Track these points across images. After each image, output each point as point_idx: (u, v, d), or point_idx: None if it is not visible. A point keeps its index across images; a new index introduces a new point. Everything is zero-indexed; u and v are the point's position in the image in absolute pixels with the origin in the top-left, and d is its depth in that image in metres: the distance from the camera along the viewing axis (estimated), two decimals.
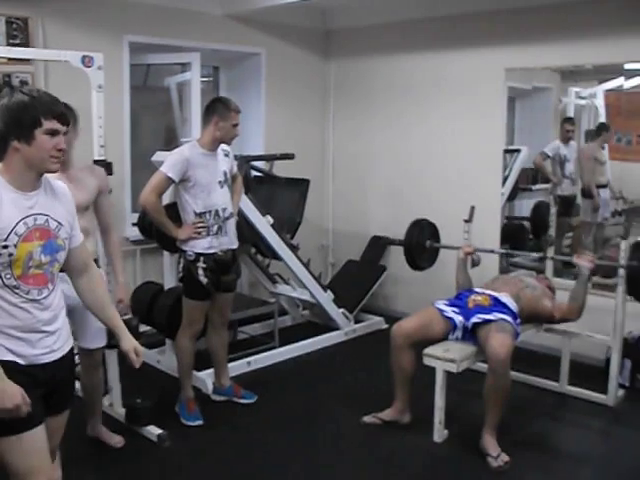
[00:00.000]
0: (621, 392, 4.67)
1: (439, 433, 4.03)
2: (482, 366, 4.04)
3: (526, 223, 6.43)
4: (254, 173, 5.62)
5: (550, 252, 5.37)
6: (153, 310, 4.82)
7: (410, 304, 5.25)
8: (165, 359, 5.06)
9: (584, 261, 4.41)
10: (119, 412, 4.17)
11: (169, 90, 6.03)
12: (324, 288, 5.75)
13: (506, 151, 6.10)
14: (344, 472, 3.79)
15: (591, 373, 4.86)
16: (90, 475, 3.69)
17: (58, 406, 2.45)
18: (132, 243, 5.51)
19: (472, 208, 5.05)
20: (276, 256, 5.47)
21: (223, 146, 4.20)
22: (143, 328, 5.20)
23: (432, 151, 6.12)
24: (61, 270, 2.39)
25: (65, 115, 2.28)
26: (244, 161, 5.21)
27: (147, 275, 5.46)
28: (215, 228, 4.13)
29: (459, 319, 4.06)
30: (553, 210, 5.50)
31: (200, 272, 4.12)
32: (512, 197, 6.28)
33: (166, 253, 4.91)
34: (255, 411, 4.47)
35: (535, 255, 5.40)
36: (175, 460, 3.85)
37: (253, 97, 6.35)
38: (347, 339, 5.84)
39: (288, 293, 5.93)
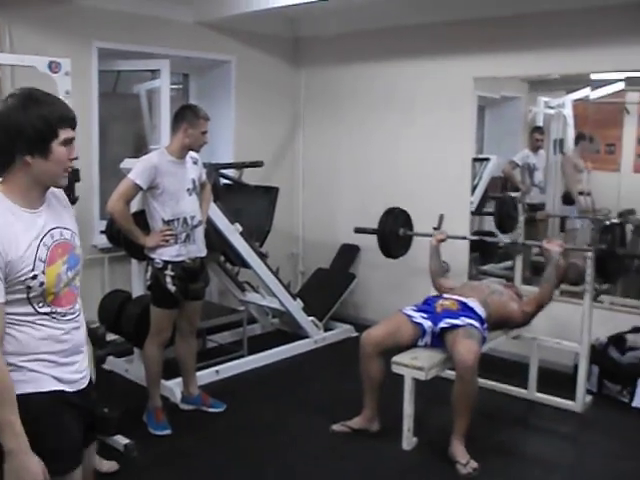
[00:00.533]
0: (589, 398, 4.70)
1: (408, 441, 4.02)
2: (451, 373, 4.04)
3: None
4: (223, 181, 5.60)
5: (518, 261, 5.42)
6: (121, 319, 4.78)
7: (380, 312, 5.25)
8: (133, 368, 5.01)
9: (554, 245, 4.48)
10: None
11: (139, 97, 6.00)
12: (293, 296, 5.74)
13: (475, 160, 6.13)
14: None
15: (559, 380, 4.88)
16: None
17: (92, 435, 2.32)
18: (100, 251, 5.47)
19: (441, 216, 5.08)
20: (245, 264, 5.45)
21: (192, 154, 4.18)
22: (111, 337, 5.17)
23: (402, 160, 6.14)
24: None
25: (75, 119, 2.09)
26: (213, 169, 5.19)
27: (115, 283, 5.42)
28: (183, 236, 4.11)
29: (428, 324, 4.06)
30: (521, 218, 5.55)
31: (168, 280, 4.09)
32: (481, 206, 6.31)
33: (134, 261, 4.87)
34: (224, 420, 4.44)
35: (507, 241, 5.48)
36: (143, 470, 3.80)
37: (223, 105, 6.34)
38: (317, 347, 5.83)
39: (257, 301, 5.90)
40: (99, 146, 5.45)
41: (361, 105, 6.40)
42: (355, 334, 5.92)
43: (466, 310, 4.11)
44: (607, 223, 4.43)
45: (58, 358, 2.06)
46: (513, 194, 6.14)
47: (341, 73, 6.50)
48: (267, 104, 6.59)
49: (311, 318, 5.84)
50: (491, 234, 6.19)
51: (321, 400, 4.76)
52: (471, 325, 3.98)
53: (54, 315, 2.04)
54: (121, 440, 3.94)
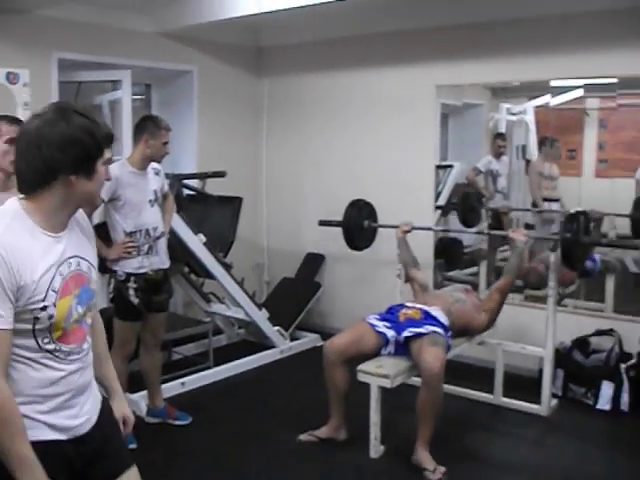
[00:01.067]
0: (554, 402, 4.74)
1: (375, 449, 4.02)
2: (416, 380, 4.05)
3: None
4: (186, 191, 5.57)
5: (483, 267, 5.45)
6: None
7: (346, 320, 5.25)
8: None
9: (519, 235, 4.56)
10: None
11: (101, 108, 5.94)
12: (259, 306, 5.71)
13: (439, 167, 6.17)
14: None
15: (525, 384, 4.91)
16: None
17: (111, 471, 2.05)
18: None
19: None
20: (210, 275, 5.41)
21: (154, 164, 4.16)
22: None
23: (365, 168, 6.15)
24: None
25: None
26: (176, 179, 5.16)
27: None
28: (146, 248, 4.09)
29: (391, 334, 4.06)
30: (485, 224, 5.59)
31: (131, 292, 4.06)
32: (446, 212, 6.34)
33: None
34: (190, 432, 4.39)
35: (473, 231, 5.60)
36: None
37: (185, 115, 6.31)
38: (283, 357, 5.81)
39: (223, 312, 5.86)
40: None
41: (324, 114, 6.41)
42: (321, 343, 5.85)
43: (429, 319, 4.12)
44: (572, 212, 4.48)
45: (55, 403, 1.86)
46: None
47: (304, 82, 6.51)
48: (230, 114, 6.57)
49: (277, 328, 5.82)
50: (455, 239, 6.26)
51: (288, 410, 4.74)
52: (435, 333, 3.99)
53: (57, 354, 1.84)
54: None
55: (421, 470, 3.79)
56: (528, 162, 6.35)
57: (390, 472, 3.90)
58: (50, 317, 1.78)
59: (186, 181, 5.56)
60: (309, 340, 6.12)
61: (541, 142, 6.20)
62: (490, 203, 6.26)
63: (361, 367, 3.98)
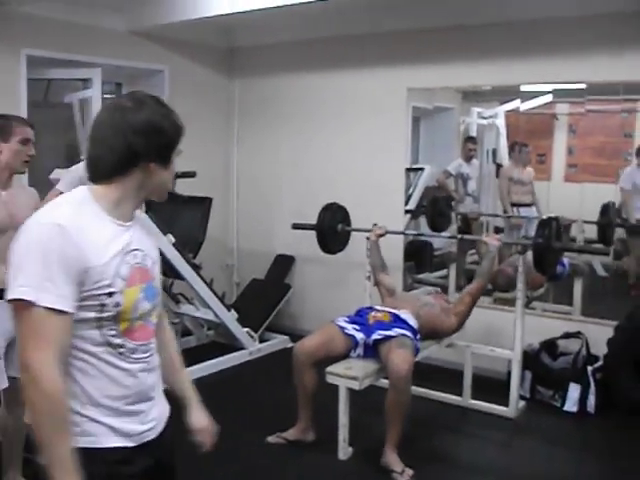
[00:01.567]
0: (522, 404, 4.77)
1: (344, 451, 4.02)
2: (385, 382, 4.05)
3: None
4: None
5: (452, 270, 5.46)
6: None
7: (315, 322, 5.24)
8: None
9: (492, 240, 4.62)
10: None
11: (71, 106, 5.88)
12: (228, 307, 5.68)
13: (410, 169, 6.19)
14: None
15: (493, 386, 4.93)
16: None
17: None
18: None
19: (374, 226, 5.10)
20: (179, 276, 5.37)
21: None
22: None
23: (337, 170, 6.15)
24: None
25: None
26: None
27: None
28: None
29: (360, 336, 4.06)
30: (454, 226, 5.62)
31: None
32: (416, 215, 6.37)
33: None
34: None
35: (446, 235, 5.56)
36: None
37: None
38: (252, 359, 5.78)
39: (192, 313, 5.82)
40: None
41: (296, 115, 6.40)
42: (291, 345, 5.88)
43: (398, 321, 4.13)
44: (544, 217, 4.54)
45: (119, 405, 1.75)
46: None
47: (276, 83, 6.49)
48: (201, 114, 6.53)
49: (246, 329, 5.79)
50: (425, 242, 6.27)
51: (256, 412, 4.72)
52: (404, 335, 3.99)
53: (122, 350, 1.74)
54: None
55: (389, 472, 3.79)
56: (499, 166, 6.39)
57: (358, 474, 3.90)
58: (117, 305, 1.69)
59: None
60: (278, 342, 6.09)
61: (511, 147, 6.25)
62: (460, 206, 6.30)
63: (330, 369, 3.98)
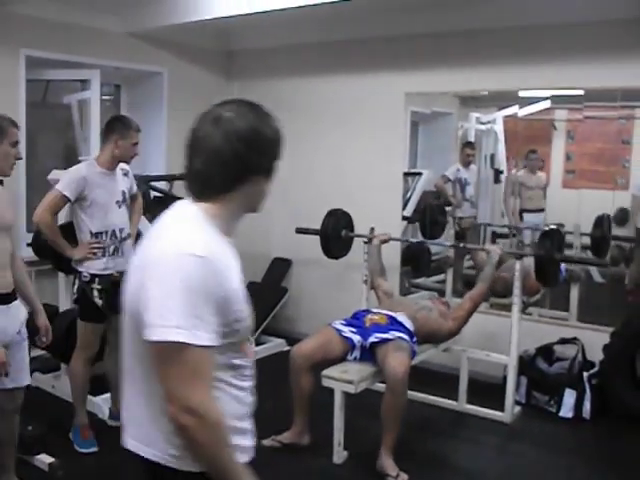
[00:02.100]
0: (517, 409, 4.77)
1: (339, 454, 4.01)
2: (381, 386, 4.05)
3: None
4: (153, 193, 5.52)
5: (449, 275, 5.47)
6: None
7: (312, 325, 5.23)
8: (60, 384, 4.88)
9: (495, 248, 4.75)
10: None
11: (69, 107, 5.88)
12: None
13: (408, 174, 6.19)
14: None
15: (489, 391, 4.93)
16: None
17: None
18: (26, 264, 5.27)
19: (372, 229, 5.12)
20: None
21: (122, 165, 4.13)
22: (37, 352, 5.03)
23: (334, 174, 6.16)
24: None
25: None
26: (143, 181, 5.11)
27: (42, 297, 5.19)
28: (112, 249, 4.05)
29: (357, 339, 4.07)
30: (452, 231, 5.63)
31: (95, 294, 4.01)
32: (412, 221, 6.36)
33: (61, 274, 4.76)
34: None
35: (447, 244, 5.59)
36: None
37: (155, 116, 6.26)
38: None
39: None
40: (26, 157, 5.29)
41: (294, 119, 6.35)
42: (287, 348, 5.88)
43: (395, 324, 4.13)
44: (546, 229, 4.57)
45: (243, 424, 1.80)
46: (446, 208, 6.23)
47: (274, 87, 6.48)
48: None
49: None
50: (422, 246, 6.26)
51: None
52: (401, 338, 4.00)
53: (241, 370, 1.74)
54: (45, 459, 3.83)
55: (384, 476, 3.79)
56: (497, 171, 6.40)
57: (353, 478, 3.90)
58: (247, 328, 1.70)
59: (154, 183, 5.52)
60: (275, 345, 6.09)
61: (526, 156, 6.23)
62: (458, 211, 6.30)
63: (326, 372, 3.98)
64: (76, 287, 4.11)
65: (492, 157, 6.47)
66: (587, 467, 4.11)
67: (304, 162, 6.35)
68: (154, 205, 5.31)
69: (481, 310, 5.01)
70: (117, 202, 4.05)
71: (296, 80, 6.35)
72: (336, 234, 5.22)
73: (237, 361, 1.71)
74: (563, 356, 4.94)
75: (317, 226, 5.25)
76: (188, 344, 1.52)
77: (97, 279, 4.02)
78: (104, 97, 6.02)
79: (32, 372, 4.91)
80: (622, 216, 5.58)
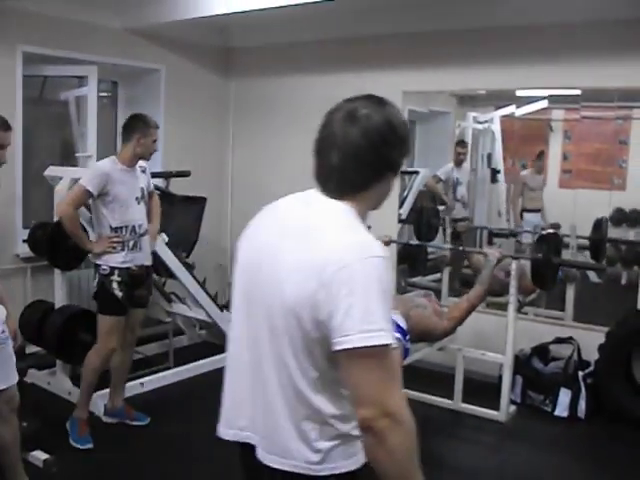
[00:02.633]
0: (513, 408, 4.78)
1: None
2: None
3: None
4: None
5: (446, 274, 5.47)
6: (43, 330, 4.65)
7: None
8: (55, 381, 4.87)
9: (493, 251, 4.74)
10: None
11: (67, 104, 5.87)
12: (220, 307, 5.67)
13: (405, 172, 6.19)
14: None
15: (484, 390, 4.93)
16: None
17: None
18: (22, 260, 5.32)
19: (368, 228, 5.11)
20: (172, 275, 5.37)
21: (140, 162, 4.26)
22: (32, 349, 5.04)
23: None
24: None
25: None
26: None
27: (37, 294, 5.26)
28: (131, 243, 4.16)
29: None
30: (448, 231, 5.63)
31: (115, 286, 4.12)
32: (410, 217, 6.37)
33: (57, 271, 4.75)
34: (147, 433, 4.35)
35: (446, 247, 5.61)
36: None
37: (152, 113, 6.07)
38: None
39: (184, 312, 5.81)
40: (23, 153, 5.30)
41: (291, 116, 6.39)
42: None
43: None
44: (543, 233, 4.59)
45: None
46: (440, 208, 6.24)
47: (272, 84, 6.49)
48: (196, 114, 6.53)
49: None
50: (419, 246, 6.26)
51: None
52: None
53: None
54: (40, 455, 3.82)
55: None
56: (494, 171, 6.40)
57: None
58: None
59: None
60: None
61: (538, 156, 6.24)
62: (452, 212, 6.29)
63: None
64: (96, 281, 4.17)
65: (489, 156, 6.47)
66: (582, 466, 4.13)
67: (303, 161, 6.28)
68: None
69: (477, 309, 5.01)
70: (136, 198, 4.17)
71: (293, 78, 6.35)
72: None
73: None
74: (558, 355, 4.95)
75: None
76: (391, 346, 1.53)
77: (116, 272, 4.11)
78: (101, 94, 6.02)
79: (28, 369, 4.98)
80: (619, 217, 5.59)
